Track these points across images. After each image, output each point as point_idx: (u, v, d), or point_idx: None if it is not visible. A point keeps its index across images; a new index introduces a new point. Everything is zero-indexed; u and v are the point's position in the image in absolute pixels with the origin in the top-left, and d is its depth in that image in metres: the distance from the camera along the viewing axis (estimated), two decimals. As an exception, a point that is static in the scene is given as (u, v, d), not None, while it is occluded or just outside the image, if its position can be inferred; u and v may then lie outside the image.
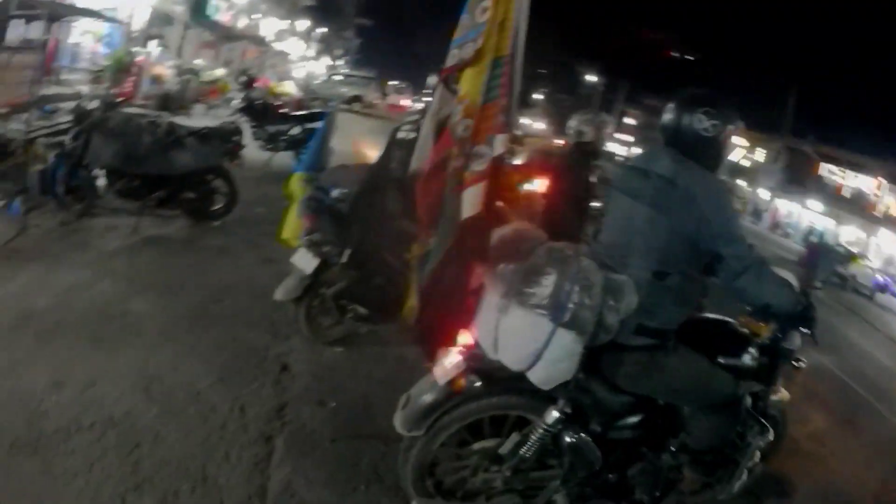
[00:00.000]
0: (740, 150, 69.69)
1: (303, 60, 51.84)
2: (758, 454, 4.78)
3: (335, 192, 6.06)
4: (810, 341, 4.54)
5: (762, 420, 4.69)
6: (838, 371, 13.14)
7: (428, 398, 4.05)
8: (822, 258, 4.82)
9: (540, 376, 3.82)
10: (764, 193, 64.49)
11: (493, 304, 3.99)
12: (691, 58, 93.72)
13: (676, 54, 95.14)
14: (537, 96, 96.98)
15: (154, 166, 8.89)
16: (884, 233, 50.99)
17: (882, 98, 57.09)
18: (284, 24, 47.15)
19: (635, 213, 4.15)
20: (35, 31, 12.86)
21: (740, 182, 66.76)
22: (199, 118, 12.65)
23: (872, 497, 7.35)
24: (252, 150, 14.52)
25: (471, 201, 4.60)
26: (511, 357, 3.86)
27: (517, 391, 4.07)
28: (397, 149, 6.38)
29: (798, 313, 4.26)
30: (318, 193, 6.13)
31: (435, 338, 4.64)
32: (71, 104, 10.00)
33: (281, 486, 4.42)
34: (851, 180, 57.47)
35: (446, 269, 4.78)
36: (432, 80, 13.04)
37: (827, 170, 59.65)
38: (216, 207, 9.76)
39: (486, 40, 4.75)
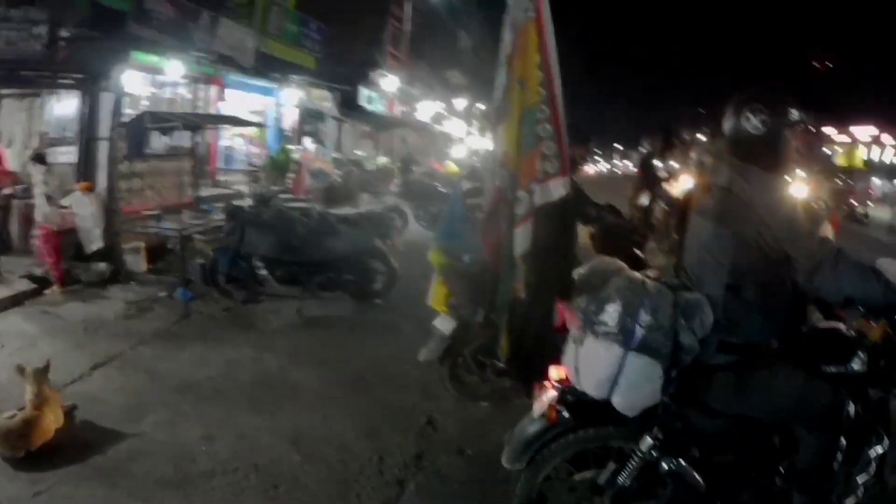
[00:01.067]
0: (888, 148, 67.50)
1: (467, 137, 52.77)
2: (873, 466, 4.40)
3: (466, 258, 6.18)
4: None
5: (878, 428, 4.32)
6: None
7: (527, 433, 4.05)
8: None
9: (622, 402, 3.79)
10: None
11: (572, 336, 4.01)
12: (836, 64, 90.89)
13: (821, 64, 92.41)
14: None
15: (309, 253, 9.56)
16: None
17: None
18: (440, 106, 48.02)
19: (702, 230, 4.10)
20: (182, 139, 13.67)
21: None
22: (363, 206, 13.18)
23: None
24: (415, 230, 15.55)
25: (520, 240, 4.81)
26: (590, 385, 3.84)
27: (611, 421, 3.99)
28: (562, 213, 6.49)
29: (891, 303, 3.88)
30: (452, 259, 6.27)
31: (532, 374, 4.70)
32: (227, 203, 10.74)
33: None
34: None
35: (533, 308, 4.89)
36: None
37: None
38: (376, 287, 10.16)
39: (510, 99, 4.98)
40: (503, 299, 5.07)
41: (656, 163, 13.96)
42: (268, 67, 23.06)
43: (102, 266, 9.85)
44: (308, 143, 26.87)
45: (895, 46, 64.67)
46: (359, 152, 31.72)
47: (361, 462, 5.25)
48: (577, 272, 4.27)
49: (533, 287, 5.04)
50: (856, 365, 4.16)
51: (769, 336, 4.01)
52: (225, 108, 22.27)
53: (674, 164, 14.52)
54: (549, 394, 4.00)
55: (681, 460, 4.03)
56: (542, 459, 4.08)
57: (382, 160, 30.27)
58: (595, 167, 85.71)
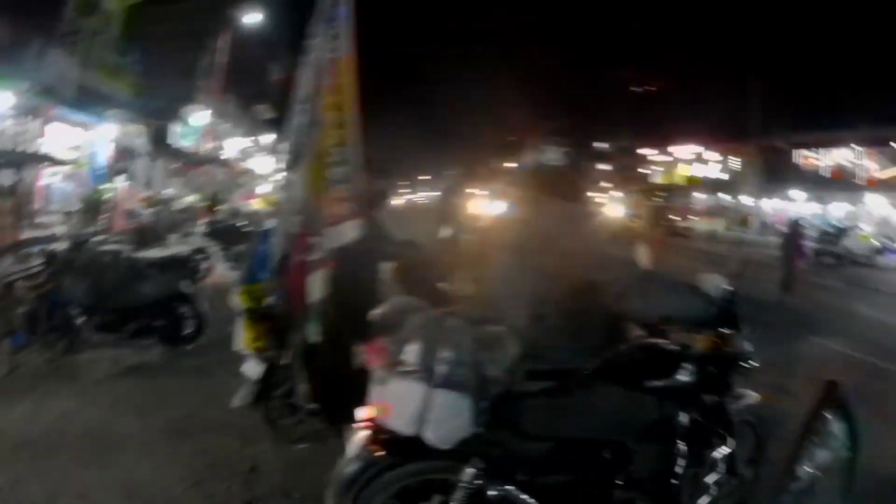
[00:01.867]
0: (714, 164, 70.45)
1: (273, 174, 52.38)
2: (721, 467, 4.64)
3: (270, 299, 6.13)
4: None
5: (720, 431, 4.53)
6: (849, 350, 12.96)
7: (345, 474, 3.98)
8: (733, 254, 4.93)
9: (434, 437, 3.74)
10: (747, 200, 64.01)
11: (377, 376, 3.96)
12: (653, 88, 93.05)
13: (638, 88, 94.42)
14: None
15: (122, 299, 9.56)
16: (869, 198, 51.51)
17: (836, 68, 57.11)
18: (248, 142, 47.79)
19: (502, 263, 4.21)
20: (3, 177, 13.37)
21: (724, 195, 66.94)
22: (172, 247, 13.17)
23: None
24: (222, 271, 15.26)
25: (316, 286, 4.97)
26: (400, 423, 3.79)
27: (429, 455, 3.89)
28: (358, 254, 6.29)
29: (714, 316, 4.17)
30: (257, 300, 6.19)
31: (341, 416, 4.76)
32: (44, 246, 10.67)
33: None
34: (827, 159, 58.09)
35: (336, 349, 5.10)
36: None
37: (800, 156, 59.97)
38: (187, 332, 10.24)
39: (306, 140, 5.07)
40: (303, 344, 5.22)
41: (461, 193, 13.46)
42: (88, 100, 22.64)
43: None
44: (120, 180, 26.20)
45: (716, 67, 67.82)
46: (169, 190, 31.15)
47: None
48: (375, 312, 4.18)
49: (333, 329, 5.30)
50: (683, 376, 4.29)
51: (579, 360, 4.08)
52: (45, 144, 21.73)
53: (478, 193, 14.61)
54: (362, 434, 3.97)
55: (507, 486, 3.99)
56: (365, 499, 4.00)
57: (190, 198, 29.72)
58: (404, 198, 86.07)
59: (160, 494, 5.66)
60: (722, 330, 4.32)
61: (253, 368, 6.25)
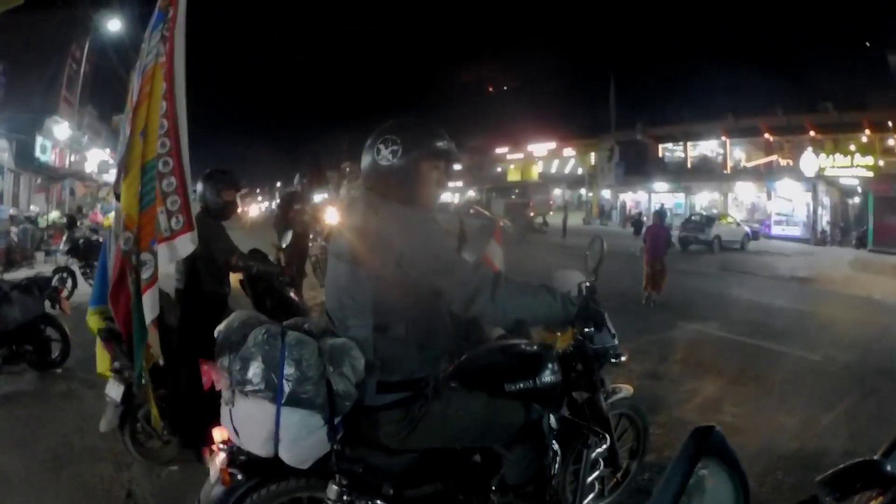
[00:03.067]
0: (569, 160, 72.82)
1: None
2: (600, 463, 4.72)
3: None
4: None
5: (595, 429, 4.56)
6: (723, 332, 13.75)
7: (211, 499, 3.79)
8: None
9: (290, 457, 3.64)
10: (606, 193, 66.18)
11: (223, 397, 3.78)
12: (508, 86, 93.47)
13: (493, 88, 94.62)
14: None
15: None
16: (738, 186, 54.54)
17: (698, 59, 58.35)
18: (107, 154, 46.16)
19: (340, 273, 3.97)
20: None
21: (583, 190, 68.59)
22: (37, 267, 12.83)
23: (792, 439, 7.56)
24: (84, 290, 15.08)
25: (150, 305, 4.73)
26: (252, 445, 3.68)
27: (291, 474, 3.82)
28: (192, 272, 6.59)
29: (573, 315, 4.02)
30: (108, 321, 6.01)
31: (197, 438, 4.80)
32: None
33: None
34: (692, 150, 60.92)
35: (182, 370, 5.04)
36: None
37: (665, 149, 62.85)
38: (54, 355, 10.19)
39: (131, 151, 4.81)
40: (138, 367, 5.01)
41: (303, 199, 13.91)
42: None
43: None
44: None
45: (573, 65, 68.65)
46: (33, 207, 30.38)
47: None
48: (217, 329, 3.88)
49: (180, 348, 5.23)
50: (547, 377, 4.25)
51: (431, 368, 3.94)
52: None
53: (321, 196, 14.33)
54: (219, 457, 3.76)
55: (376, 501, 3.91)
56: None
57: (54, 215, 28.81)
58: (258, 207, 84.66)
59: None
60: (584, 328, 4.30)
61: (115, 390, 6.17)
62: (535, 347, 4.43)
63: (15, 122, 28.69)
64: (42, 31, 35.44)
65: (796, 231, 48.62)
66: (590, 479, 4.71)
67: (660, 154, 63.65)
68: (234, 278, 7.30)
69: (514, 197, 62.15)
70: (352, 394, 3.68)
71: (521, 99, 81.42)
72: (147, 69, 4.97)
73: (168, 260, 5.12)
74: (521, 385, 4.20)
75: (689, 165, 61.09)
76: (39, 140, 32.94)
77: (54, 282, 11.42)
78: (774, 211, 52.32)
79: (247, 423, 3.68)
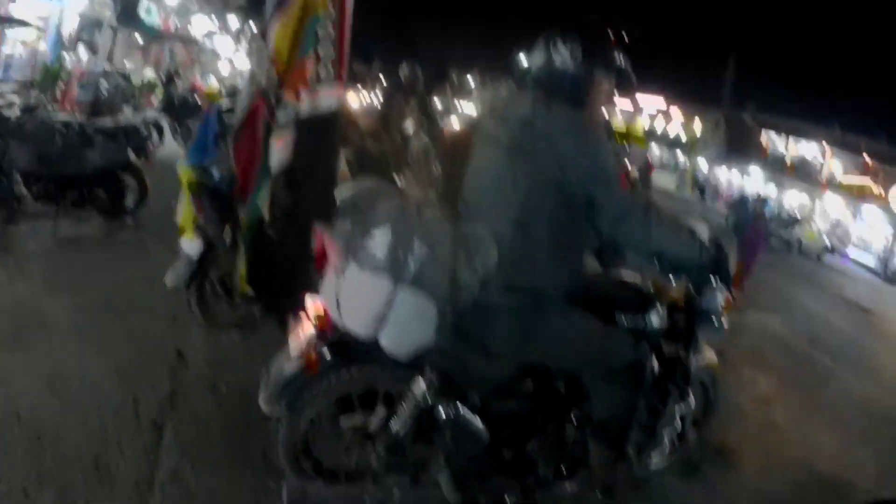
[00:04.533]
0: (676, 123, 70.29)
1: (235, 56, 51.40)
2: (678, 423, 4.46)
3: (216, 176, 5.87)
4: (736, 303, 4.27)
5: (682, 386, 4.34)
6: (788, 332, 13.17)
7: (284, 374, 3.66)
8: (740, 207, 4.52)
9: (392, 343, 3.48)
10: (703, 164, 64.16)
11: (333, 266, 3.60)
12: (631, 39, 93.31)
13: (617, 39, 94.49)
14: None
15: (66, 167, 9.01)
16: (828, 197, 51.75)
17: (822, 63, 57.38)
18: (214, 24, 46.04)
19: (492, 162, 3.69)
20: None
21: (680, 156, 66.91)
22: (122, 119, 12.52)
23: (829, 460, 7.01)
24: (173, 145, 15.04)
25: (277, 157, 4.64)
26: (355, 322, 3.50)
27: (379, 362, 3.63)
28: (321, 130, 5.87)
29: (705, 263, 3.77)
30: (202, 177, 5.92)
31: (285, 303, 4.55)
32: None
33: (168, 472, 4.34)
34: (793, 147, 57.92)
35: (288, 231, 4.80)
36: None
37: (768, 138, 59.97)
38: (127, 204, 9.81)
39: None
40: (252, 218, 4.89)
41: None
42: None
43: None
44: (82, 52, 25.37)
45: (697, 29, 67.72)
46: (128, 64, 30.41)
47: (117, 406, 4.96)
48: (342, 194, 3.75)
49: (288, 208, 4.97)
50: (653, 320, 4.10)
51: (558, 281, 3.71)
52: (14, 11, 21.00)
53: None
54: (307, 332, 3.63)
55: (459, 406, 3.75)
56: (303, 403, 3.73)
57: (149, 73, 28.95)
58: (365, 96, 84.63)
59: (82, 385, 5.21)
60: (712, 278, 3.95)
61: (191, 246, 5.93)
62: (651, 289, 4.26)
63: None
64: None
65: (870, 261, 46.58)
66: (662, 436, 4.39)
67: (762, 141, 61.84)
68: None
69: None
70: (474, 287, 3.49)
71: (641, 50, 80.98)
72: None
73: (309, 111, 4.86)
74: (630, 319, 4.04)
75: (787, 162, 59.21)
76: (145, 2, 32.63)
77: (142, 132, 10.82)
78: (855, 234, 50.20)
79: (355, 298, 3.49)
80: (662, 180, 49.42)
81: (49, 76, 20.07)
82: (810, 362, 11.77)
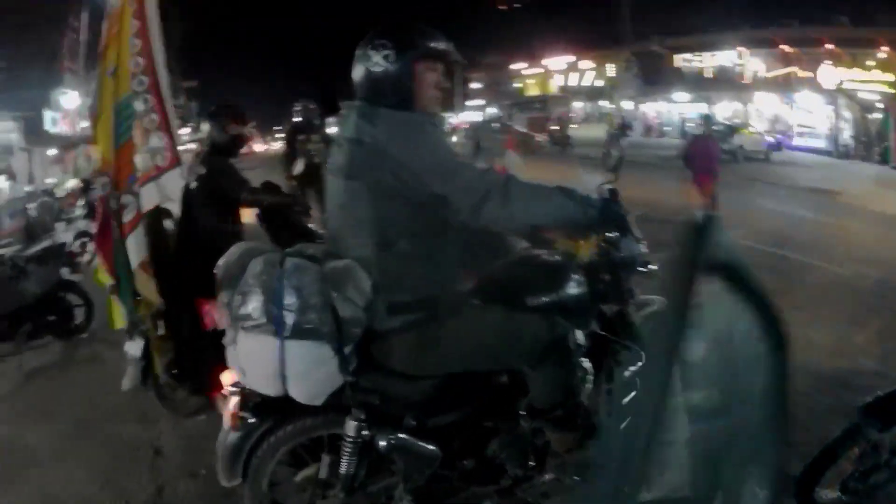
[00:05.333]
0: (588, 72, 71.92)
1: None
2: (636, 382, 3.96)
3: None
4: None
5: (626, 343, 4.13)
6: (749, 242, 13.30)
7: (227, 446, 3.75)
8: (611, 139, 4.14)
9: (300, 394, 3.49)
10: (627, 105, 64.30)
11: (227, 336, 3.59)
12: (519, 5, 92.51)
13: (505, 6, 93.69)
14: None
15: (8, 303, 9.32)
16: (759, 96, 53.09)
17: None
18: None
19: (337, 190, 3.71)
20: None
21: (602, 102, 67.75)
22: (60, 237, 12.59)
23: (829, 357, 7.29)
24: None
25: (135, 248, 4.67)
26: (260, 384, 3.53)
27: (309, 412, 3.69)
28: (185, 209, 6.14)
29: (594, 218, 3.58)
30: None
31: (208, 383, 4.67)
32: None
33: None
34: (710, 61, 59.11)
35: (185, 312, 4.88)
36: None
37: (682, 59, 60.96)
38: (77, 321, 10.06)
39: (102, 92, 4.74)
40: (128, 313, 5.01)
41: (313, 126, 13.13)
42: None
43: None
44: (2, 181, 25.39)
45: None
46: (49, 180, 30.23)
47: None
48: (217, 265, 3.67)
49: (170, 291, 5.03)
50: (572, 289, 4.00)
51: (441, 286, 3.69)
52: None
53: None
54: (232, 400, 3.67)
55: (397, 433, 3.70)
56: (255, 468, 3.80)
57: (71, 182, 28.44)
58: (269, 146, 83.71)
59: (74, 499, 5.62)
60: (607, 234, 3.87)
61: (133, 346, 6.01)
62: (557, 257, 4.19)
63: (21, 102, 28.20)
64: (37, 11, 34.82)
65: (819, 143, 47.68)
66: (626, 399, 4.02)
67: (676, 65, 62.37)
68: (249, 213, 7.07)
69: (536, 111, 61.09)
70: (360, 319, 3.46)
71: (535, 14, 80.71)
72: (114, 10, 4.81)
73: (158, 198, 4.95)
74: (545, 299, 3.94)
75: (707, 76, 59.76)
76: (49, 114, 32.60)
77: (74, 247, 11.01)
78: (796, 123, 51.24)
79: (251, 362, 3.50)
80: (594, 131, 49.18)
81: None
82: (785, 266, 11.91)
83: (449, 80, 3.87)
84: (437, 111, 3.80)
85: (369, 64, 3.62)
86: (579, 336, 4.03)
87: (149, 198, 4.90)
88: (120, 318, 5.93)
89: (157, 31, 4.90)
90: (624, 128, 47.00)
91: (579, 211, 3.54)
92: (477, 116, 71.90)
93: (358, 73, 3.69)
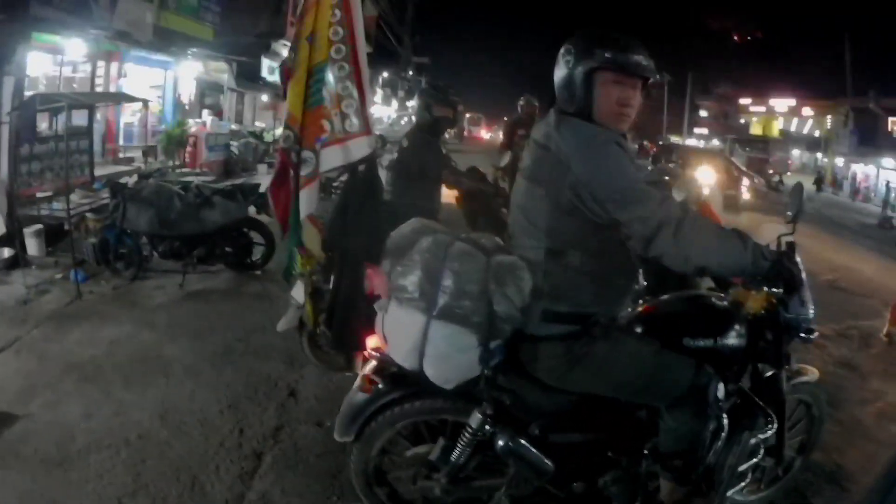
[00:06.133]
0: (807, 120, 69.96)
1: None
2: (760, 450, 4.03)
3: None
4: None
5: (766, 409, 3.88)
6: None
7: (351, 404, 3.78)
8: (794, 197, 3.78)
9: (434, 374, 3.47)
10: (839, 161, 61.82)
11: (379, 304, 3.65)
12: (755, 37, 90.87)
13: (740, 36, 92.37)
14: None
15: (186, 227, 9.54)
16: None
17: None
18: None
19: (521, 191, 3.62)
20: (80, 117, 13.35)
21: (819, 155, 65.29)
22: (258, 178, 12.72)
23: None
24: None
25: (306, 202, 4.77)
26: (399, 355, 3.54)
27: (440, 393, 3.63)
28: (367, 173, 5.75)
29: (765, 270, 3.29)
30: None
31: (350, 342, 4.75)
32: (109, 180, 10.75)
33: (257, 495, 4.66)
34: None
35: (342, 273, 4.94)
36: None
37: (893, 123, 57.18)
38: (255, 258, 10.27)
39: (298, 54, 4.84)
40: (291, 264, 5.14)
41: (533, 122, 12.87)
42: (165, 41, 22.42)
43: (5, 252, 9.80)
44: (206, 115, 26.21)
45: (815, 22, 66.57)
46: (259, 124, 31.29)
47: (223, 435, 5.37)
48: (392, 235, 3.70)
49: (340, 251, 5.10)
50: (730, 339, 3.81)
51: (605, 305, 3.54)
52: (126, 84, 21.65)
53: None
54: (370, 364, 3.77)
55: (519, 438, 3.63)
56: (371, 432, 3.82)
57: (280, 131, 29.41)
58: (495, 134, 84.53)
59: (193, 416, 5.67)
60: (774, 289, 3.49)
61: (299, 292, 5.92)
62: (725, 304, 3.96)
63: (236, 47, 29.02)
64: None
65: None
66: (744, 466, 3.99)
67: (889, 128, 59.48)
68: (451, 194, 7.17)
69: (757, 152, 59.89)
70: (514, 317, 3.41)
71: (766, 51, 79.53)
72: None
73: (342, 160, 5.03)
74: (701, 343, 3.76)
75: None
76: (266, 62, 33.51)
77: (261, 189, 11.08)
78: None
79: (396, 332, 3.57)
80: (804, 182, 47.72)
81: (172, 141, 20.88)
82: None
83: (638, 95, 3.55)
84: (622, 128, 3.54)
85: (558, 67, 3.53)
86: (721, 390, 3.70)
87: (331, 160, 5.01)
88: (298, 265, 5.89)
89: (359, 3, 5.00)
90: (819, 181, 45.73)
91: (750, 261, 3.28)
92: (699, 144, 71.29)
93: (555, 75, 3.58)
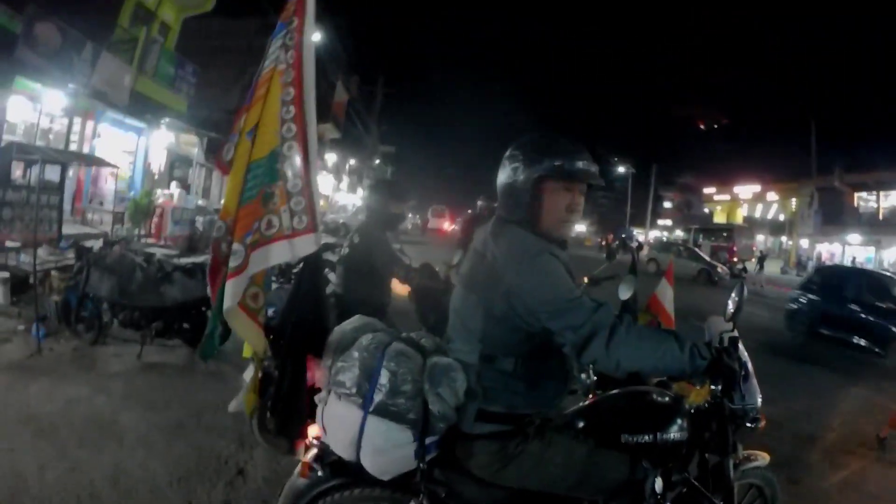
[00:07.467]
0: (772, 204, 71.89)
1: (335, 193, 52.21)
2: None
3: (270, 311, 6.01)
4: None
5: (712, 499, 3.92)
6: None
7: (293, 488, 3.83)
8: (735, 294, 3.96)
9: (371, 466, 3.54)
10: (804, 242, 63.08)
11: (319, 396, 3.82)
12: (718, 125, 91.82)
13: (705, 123, 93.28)
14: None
15: (146, 299, 9.72)
16: None
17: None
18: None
19: (458, 294, 3.78)
20: (53, 172, 13.47)
21: (783, 238, 67.12)
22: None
23: None
24: None
25: (231, 293, 4.68)
26: (337, 446, 3.63)
27: (378, 483, 3.69)
28: (313, 266, 5.56)
29: (702, 369, 3.39)
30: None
31: (294, 430, 4.57)
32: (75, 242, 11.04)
33: None
34: (885, 201, 56.82)
35: (285, 363, 4.76)
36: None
37: (859, 198, 58.78)
38: None
39: (237, 148, 4.79)
40: (209, 343, 5.13)
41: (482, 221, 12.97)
42: (140, 107, 22.89)
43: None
44: (174, 187, 26.32)
45: (779, 109, 68.18)
46: (224, 201, 31.51)
47: None
48: (335, 330, 3.91)
49: (288, 340, 4.90)
50: (672, 433, 3.86)
51: (538, 406, 3.67)
52: (99, 145, 22.06)
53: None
54: (310, 451, 3.81)
55: None
56: None
57: None
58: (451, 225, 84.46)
59: (144, 484, 5.81)
60: (713, 386, 3.64)
61: (249, 374, 6.03)
62: (667, 399, 4.05)
63: (207, 121, 29.39)
64: (235, 36, 37.23)
65: None
66: None
67: (854, 203, 60.75)
68: (404, 289, 7.25)
69: (721, 240, 60.64)
70: (448, 416, 3.51)
71: (729, 139, 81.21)
72: (264, 73, 4.96)
73: (290, 256, 4.88)
74: (640, 439, 3.82)
75: (880, 216, 57.77)
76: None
77: None
78: None
79: (334, 424, 3.66)
80: (768, 266, 47.91)
81: (139, 210, 21.03)
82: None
83: (581, 201, 3.69)
84: (567, 234, 3.72)
85: (503, 172, 3.66)
86: (659, 483, 3.78)
87: (283, 254, 4.88)
88: (246, 349, 6.07)
89: (313, 102, 4.90)
90: (762, 259, 46.36)
91: (687, 362, 3.38)
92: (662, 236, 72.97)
93: (498, 179, 3.72)
